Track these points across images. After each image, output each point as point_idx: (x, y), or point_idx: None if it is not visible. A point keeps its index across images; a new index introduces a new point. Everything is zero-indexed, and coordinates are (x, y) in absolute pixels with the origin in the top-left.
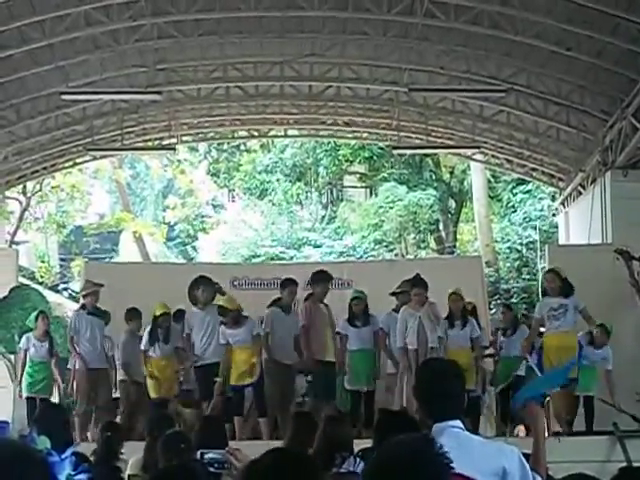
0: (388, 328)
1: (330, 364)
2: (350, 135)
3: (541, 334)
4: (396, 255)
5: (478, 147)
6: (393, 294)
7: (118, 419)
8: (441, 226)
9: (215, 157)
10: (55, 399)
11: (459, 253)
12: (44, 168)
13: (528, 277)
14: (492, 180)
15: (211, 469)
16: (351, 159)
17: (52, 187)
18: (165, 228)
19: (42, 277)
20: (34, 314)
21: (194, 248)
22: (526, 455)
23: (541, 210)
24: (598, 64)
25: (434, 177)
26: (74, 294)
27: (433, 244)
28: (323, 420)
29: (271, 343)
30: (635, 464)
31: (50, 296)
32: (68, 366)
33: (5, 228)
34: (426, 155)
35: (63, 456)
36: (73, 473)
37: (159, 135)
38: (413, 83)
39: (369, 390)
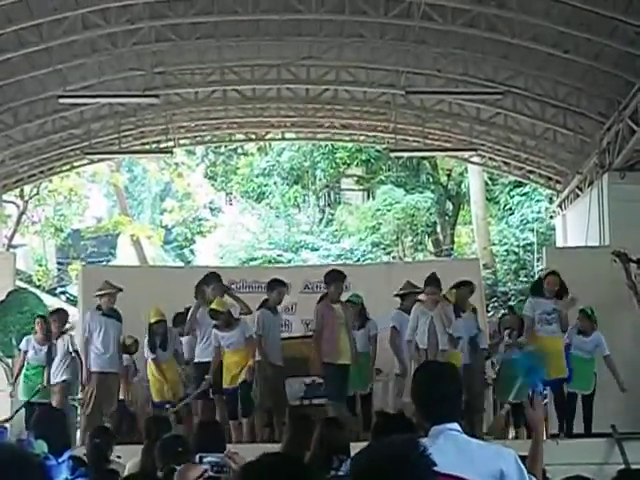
0: (400, 326)
1: (344, 366)
2: (347, 138)
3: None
4: (394, 258)
5: (475, 150)
6: (397, 295)
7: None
8: (438, 229)
9: (212, 160)
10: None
11: (456, 256)
12: (41, 172)
13: (525, 280)
14: (489, 182)
15: (210, 473)
16: (348, 162)
17: (49, 191)
18: (162, 231)
19: (40, 281)
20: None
21: (191, 251)
22: (522, 457)
23: (538, 212)
24: (595, 66)
25: (431, 180)
26: (72, 298)
27: (430, 247)
28: (320, 423)
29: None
30: (633, 466)
31: (48, 300)
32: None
33: (2, 232)
34: (423, 158)
35: (60, 460)
36: (70, 477)
37: (156, 138)
38: (410, 86)
39: (365, 394)
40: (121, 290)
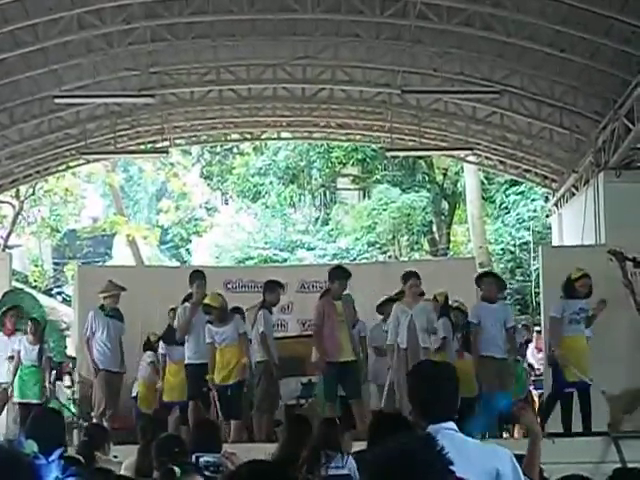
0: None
1: (346, 364)
2: (343, 137)
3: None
4: (389, 257)
5: (471, 149)
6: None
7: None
8: (434, 228)
9: (208, 160)
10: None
11: (452, 255)
12: (37, 172)
13: (522, 278)
14: (485, 182)
15: (207, 473)
16: (344, 161)
17: (45, 191)
18: (158, 231)
19: (36, 281)
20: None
21: (187, 251)
22: (519, 456)
23: (534, 211)
24: (591, 65)
25: (427, 179)
26: (68, 298)
27: (426, 246)
28: (321, 423)
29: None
30: (630, 465)
31: (44, 300)
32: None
33: None
34: (419, 157)
35: (50, 459)
36: (61, 477)
37: (152, 138)
38: (406, 85)
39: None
40: (124, 289)
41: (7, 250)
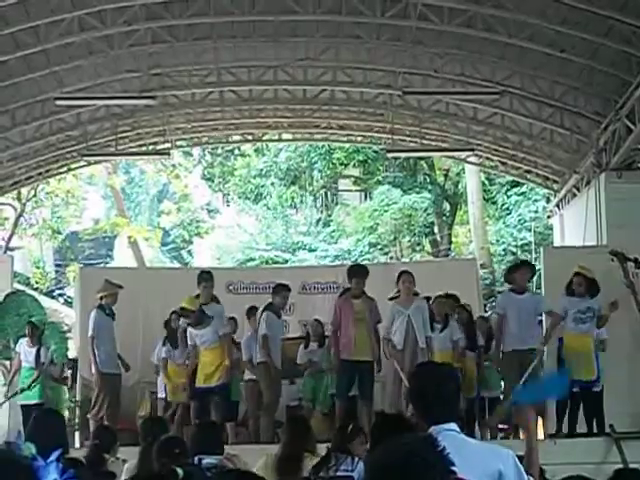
0: None
1: (361, 363)
2: (344, 139)
3: None
4: (391, 258)
5: (472, 150)
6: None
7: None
8: (436, 229)
9: (209, 161)
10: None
11: (454, 256)
12: (39, 174)
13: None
14: (486, 182)
15: (209, 474)
16: (345, 162)
17: (47, 193)
18: (160, 233)
19: (37, 283)
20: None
21: (189, 253)
22: (519, 457)
23: (536, 212)
24: (592, 66)
25: (428, 180)
26: (69, 300)
27: (428, 247)
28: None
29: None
30: (631, 465)
31: (45, 302)
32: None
33: (0, 234)
34: (420, 158)
35: (48, 461)
36: (60, 479)
37: (153, 140)
38: (407, 86)
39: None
40: (122, 287)
41: (9, 252)
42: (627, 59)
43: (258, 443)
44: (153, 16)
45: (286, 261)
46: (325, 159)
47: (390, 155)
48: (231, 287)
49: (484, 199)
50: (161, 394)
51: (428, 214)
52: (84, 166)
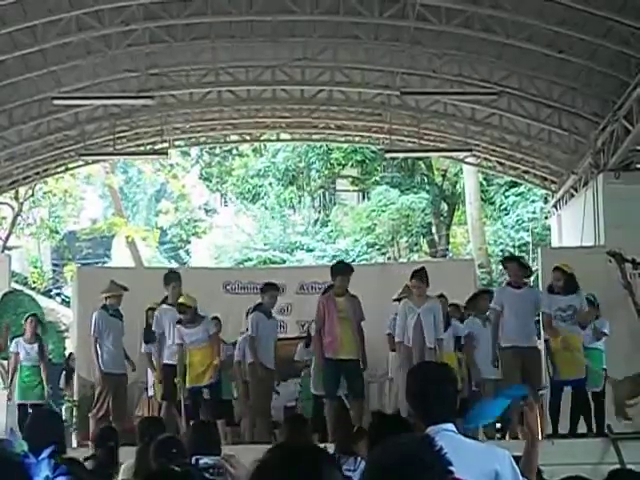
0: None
1: (346, 362)
2: (342, 139)
3: None
4: (389, 258)
5: (470, 150)
6: (397, 300)
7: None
8: (434, 229)
9: (207, 161)
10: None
11: (452, 256)
12: (36, 173)
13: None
14: (484, 183)
15: (206, 475)
16: (343, 163)
17: (44, 192)
18: (158, 232)
19: (35, 282)
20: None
21: (187, 252)
22: (516, 457)
23: (533, 212)
24: (590, 66)
25: (426, 180)
26: (67, 299)
27: (426, 247)
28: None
29: (257, 347)
30: (629, 466)
31: (43, 301)
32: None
33: None
34: (418, 158)
35: (40, 458)
36: (52, 476)
37: (151, 140)
38: (405, 86)
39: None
40: (127, 289)
41: (6, 251)
42: (625, 60)
43: (255, 443)
44: (151, 16)
45: (284, 261)
46: (323, 159)
47: (388, 155)
48: (229, 287)
49: (482, 199)
50: (150, 392)
51: (426, 214)
52: (82, 166)
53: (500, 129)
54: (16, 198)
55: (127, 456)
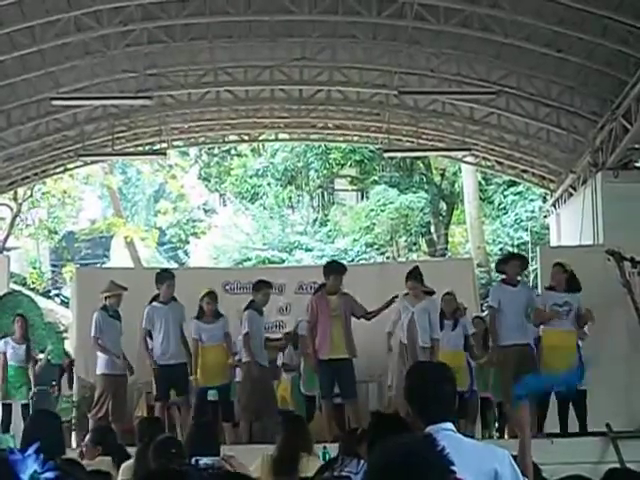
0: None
1: (338, 361)
2: (341, 138)
3: None
4: (388, 258)
5: (469, 149)
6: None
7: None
8: (432, 228)
9: (206, 161)
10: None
11: (450, 255)
12: (35, 174)
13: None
14: (483, 182)
15: (205, 475)
16: (342, 162)
17: (43, 193)
18: (156, 233)
19: (34, 283)
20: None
21: (186, 252)
22: (514, 457)
23: (532, 212)
24: (588, 66)
25: (425, 180)
26: (66, 300)
27: (424, 247)
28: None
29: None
30: (628, 465)
31: (42, 302)
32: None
33: None
34: (417, 158)
35: (26, 454)
36: (40, 471)
37: (150, 140)
38: (403, 86)
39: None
40: (126, 289)
41: (5, 252)
42: (624, 59)
43: (255, 443)
44: (149, 16)
45: (283, 261)
46: (321, 159)
47: (386, 155)
48: (228, 287)
49: (480, 199)
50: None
51: (425, 214)
52: (81, 166)
53: (499, 128)
54: (15, 199)
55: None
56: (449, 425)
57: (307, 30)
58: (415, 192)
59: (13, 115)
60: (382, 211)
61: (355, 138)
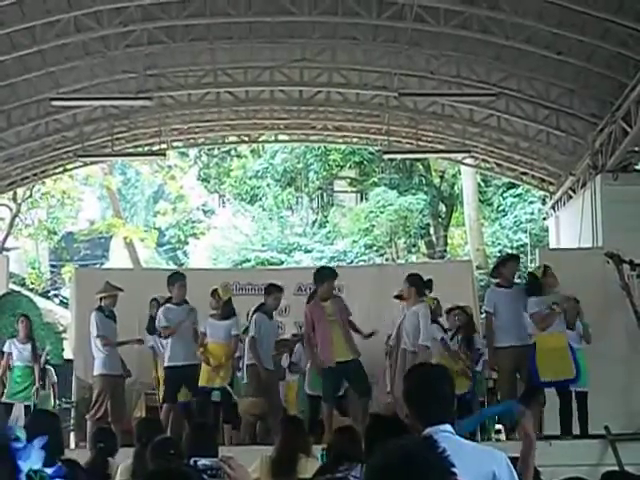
0: None
1: (344, 363)
2: (340, 140)
3: None
4: (387, 260)
5: (468, 151)
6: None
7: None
8: (432, 230)
9: (205, 162)
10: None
11: (450, 257)
12: (34, 174)
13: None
14: (482, 184)
15: (204, 476)
16: (341, 164)
17: (42, 193)
18: (156, 233)
19: (33, 283)
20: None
21: (185, 253)
22: (513, 459)
23: (531, 214)
24: (588, 68)
25: (424, 181)
26: (65, 300)
27: (424, 248)
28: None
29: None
30: (626, 468)
31: (41, 303)
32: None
33: None
34: (416, 159)
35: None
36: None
37: (149, 141)
38: (403, 88)
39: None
40: (122, 290)
41: (4, 252)
42: (623, 61)
43: (259, 444)
44: (149, 17)
45: (282, 262)
46: (321, 160)
47: (386, 156)
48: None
49: (480, 201)
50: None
51: (424, 216)
52: (80, 167)
53: (498, 130)
54: (14, 199)
55: (125, 457)
56: (448, 427)
57: (307, 31)
58: (414, 194)
59: (13, 115)
60: (381, 213)
61: (355, 140)
